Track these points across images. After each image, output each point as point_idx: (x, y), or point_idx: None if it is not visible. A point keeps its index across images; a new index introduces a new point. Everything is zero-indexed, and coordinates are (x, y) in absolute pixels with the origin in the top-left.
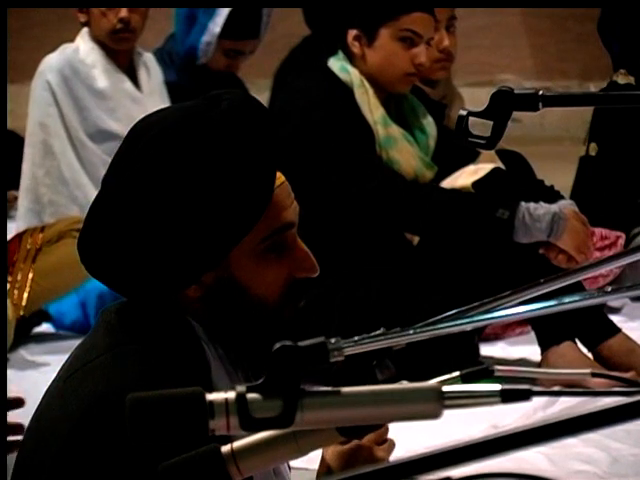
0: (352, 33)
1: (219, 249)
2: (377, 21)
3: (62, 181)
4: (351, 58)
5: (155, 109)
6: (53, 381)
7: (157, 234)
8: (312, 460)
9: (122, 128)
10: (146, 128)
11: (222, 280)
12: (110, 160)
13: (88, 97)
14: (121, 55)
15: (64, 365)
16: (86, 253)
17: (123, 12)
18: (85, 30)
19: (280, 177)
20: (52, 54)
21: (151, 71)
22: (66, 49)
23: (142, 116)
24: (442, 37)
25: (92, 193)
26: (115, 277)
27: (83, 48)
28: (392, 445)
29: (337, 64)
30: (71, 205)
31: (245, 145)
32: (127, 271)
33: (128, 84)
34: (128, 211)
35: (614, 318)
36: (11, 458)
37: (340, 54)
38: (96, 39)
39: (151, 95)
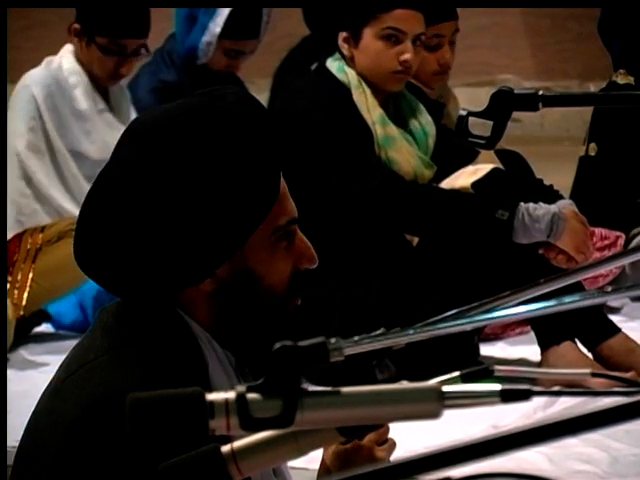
0: (342, 35)
1: (235, 239)
2: (360, 22)
3: (41, 195)
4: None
5: None
6: (51, 381)
7: (173, 228)
8: (312, 460)
9: (95, 151)
10: (151, 123)
11: (237, 272)
12: (85, 181)
13: (69, 116)
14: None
15: (62, 365)
16: (84, 254)
17: (125, 70)
18: (69, 48)
19: None
20: (36, 69)
21: (125, 94)
22: (51, 64)
23: (115, 142)
24: (444, 52)
25: (71, 207)
26: (115, 278)
27: (67, 67)
28: (393, 445)
29: (335, 65)
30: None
31: (255, 135)
32: (131, 271)
33: (106, 108)
34: (138, 208)
35: (614, 318)
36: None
37: (337, 55)
38: (81, 62)
39: (125, 120)
